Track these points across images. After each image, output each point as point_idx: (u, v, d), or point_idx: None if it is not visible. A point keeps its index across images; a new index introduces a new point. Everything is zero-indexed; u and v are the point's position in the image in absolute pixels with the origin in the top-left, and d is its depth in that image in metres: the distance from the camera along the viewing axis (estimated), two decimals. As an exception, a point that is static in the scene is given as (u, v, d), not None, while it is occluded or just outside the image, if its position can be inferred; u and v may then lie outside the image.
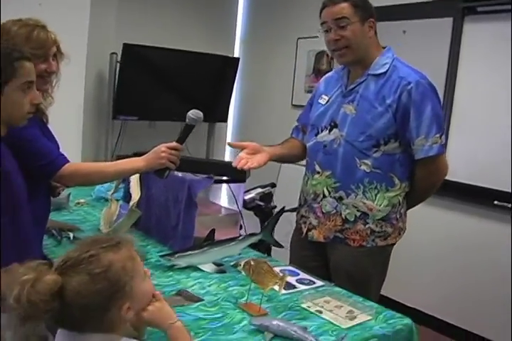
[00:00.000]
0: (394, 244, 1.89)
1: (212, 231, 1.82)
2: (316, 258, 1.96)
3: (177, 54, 3.82)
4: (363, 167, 1.79)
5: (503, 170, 2.74)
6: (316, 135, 1.91)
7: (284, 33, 4.12)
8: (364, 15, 1.77)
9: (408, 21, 3.08)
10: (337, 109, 1.86)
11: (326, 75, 2.07)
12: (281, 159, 2.08)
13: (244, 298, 1.54)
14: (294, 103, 4.09)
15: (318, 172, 1.89)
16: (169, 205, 2.03)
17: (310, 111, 2.03)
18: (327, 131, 1.87)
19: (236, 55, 4.51)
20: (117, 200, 2.30)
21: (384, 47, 1.86)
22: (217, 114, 4.28)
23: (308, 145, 1.97)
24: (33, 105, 1.33)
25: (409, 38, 3.09)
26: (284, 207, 1.96)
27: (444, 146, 1.78)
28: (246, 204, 2.40)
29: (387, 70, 1.78)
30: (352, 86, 1.84)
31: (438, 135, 1.74)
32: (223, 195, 2.74)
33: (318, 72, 3.87)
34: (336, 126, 1.84)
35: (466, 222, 2.94)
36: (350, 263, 1.85)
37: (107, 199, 2.70)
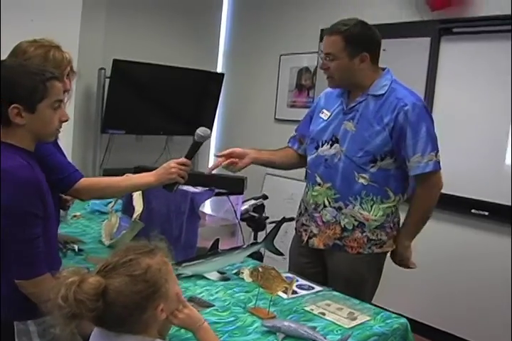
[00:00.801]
0: (388, 251, 2.02)
1: (217, 240, 1.92)
2: (314, 265, 2.08)
3: (164, 69, 3.93)
4: (361, 180, 1.91)
5: (480, 180, 2.93)
6: (317, 148, 2.02)
7: (267, 49, 4.26)
8: (354, 50, 1.85)
9: (388, 40, 3.23)
10: (338, 125, 1.97)
11: (326, 90, 2.14)
12: (268, 164, 2.20)
13: (252, 303, 1.64)
14: (277, 117, 4.22)
15: (319, 184, 2.00)
16: (171, 217, 2.11)
17: (309, 123, 2.12)
18: (328, 146, 1.98)
19: (219, 70, 4.64)
20: (116, 212, 2.38)
21: (383, 69, 1.97)
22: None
23: (309, 158, 2.07)
24: (61, 122, 1.41)
25: (389, 56, 3.21)
26: (284, 218, 2.06)
27: (439, 163, 1.89)
28: (240, 216, 2.50)
29: (385, 92, 1.90)
30: (352, 104, 1.95)
31: (433, 153, 1.86)
32: (207, 206, 2.84)
33: (300, 88, 4.03)
34: (337, 141, 1.96)
35: (445, 230, 3.10)
36: (347, 268, 1.97)
37: (101, 212, 2.78)
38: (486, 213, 2.89)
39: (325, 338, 1.40)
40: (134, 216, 2.13)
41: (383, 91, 1.90)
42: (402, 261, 2.06)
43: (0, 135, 1.35)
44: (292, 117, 4.06)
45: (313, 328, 1.43)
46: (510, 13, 2.73)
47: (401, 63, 3.19)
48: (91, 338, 1.16)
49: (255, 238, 2.61)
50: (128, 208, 2.32)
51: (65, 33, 3.40)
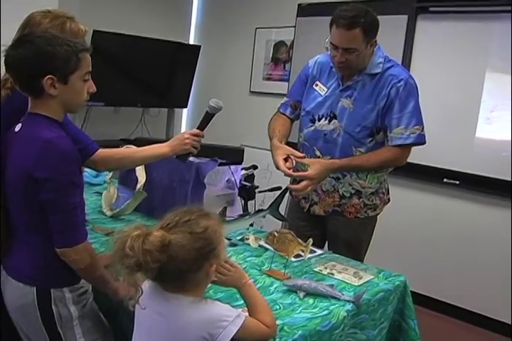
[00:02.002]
0: (379, 213, 2.19)
1: (225, 208, 2.01)
2: (313, 228, 2.23)
3: (143, 41, 3.90)
4: (358, 153, 2.03)
5: (452, 152, 3.14)
6: (313, 122, 2.12)
7: (242, 22, 4.28)
8: (370, 38, 1.91)
9: (366, 17, 3.34)
10: (335, 101, 2.06)
11: (318, 60, 2.16)
12: None
13: (266, 266, 1.77)
14: (252, 90, 4.29)
15: (318, 157, 2.10)
16: (175, 187, 2.18)
17: (303, 89, 2.16)
18: (326, 121, 2.08)
19: (192, 42, 4.63)
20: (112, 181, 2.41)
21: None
22: (177, 99, 4.41)
23: (305, 131, 2.16)
24: (89, 94, 1.42)
25: (367, 32, 3.36)
26: (288, 187, 2.16)
27: (424, 136, 1.99)
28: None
29: (381, 69, 1.99)
30: (349, 83, 2.04)
31: (417, 126, 1.98)
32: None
33: (276, 61, 4.10)
34: (335, 117, 2.06)
35: (420, 198, 3.32)
36: (346, 231, 2.15)
37: (91, 184, 2.80)
38: (457, 182, 3.11)
39: (343, 294, 1.54)
40: (138, 186, 2.19)
41: (379, 70, 1.99)
42: (307, 178, 1.90)
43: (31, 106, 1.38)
44: (268, 90, 4.15)
45: (332, 286, 1.57)
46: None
47: (378, 40, 3.28)
48: (145, 291, 1.22)
49: (245, 206, 2.72)
50: (125, 178, 2.37)
51: (42, 4, 3.32)
